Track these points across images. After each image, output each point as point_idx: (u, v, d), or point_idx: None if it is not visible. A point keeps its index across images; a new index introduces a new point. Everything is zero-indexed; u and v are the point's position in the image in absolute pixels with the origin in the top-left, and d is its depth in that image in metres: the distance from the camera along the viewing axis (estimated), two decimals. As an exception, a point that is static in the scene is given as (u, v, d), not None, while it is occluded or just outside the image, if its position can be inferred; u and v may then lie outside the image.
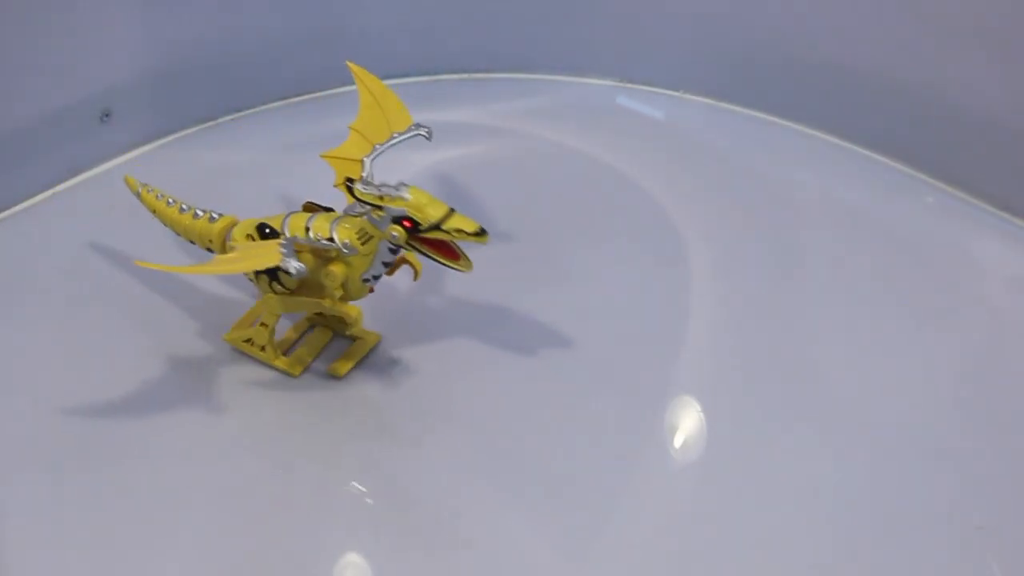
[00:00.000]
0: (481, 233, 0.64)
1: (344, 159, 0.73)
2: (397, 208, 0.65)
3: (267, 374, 0.77)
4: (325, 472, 0.70)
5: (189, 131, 1.12)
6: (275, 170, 1.05)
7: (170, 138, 1.10)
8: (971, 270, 0.96)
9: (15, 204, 0.96)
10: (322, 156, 0.75)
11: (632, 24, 1.26)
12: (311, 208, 0.72)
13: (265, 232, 0.71)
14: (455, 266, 0.67)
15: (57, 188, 1.00)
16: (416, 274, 0.75)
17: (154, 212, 0.80)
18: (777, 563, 0.65)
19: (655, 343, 0.84)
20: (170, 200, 0.79)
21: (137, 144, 1.08)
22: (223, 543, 0.65)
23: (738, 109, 1.24)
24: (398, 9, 1.23)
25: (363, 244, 0.67)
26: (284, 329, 0.79)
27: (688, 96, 1.27)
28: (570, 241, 0.95)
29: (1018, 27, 1.01)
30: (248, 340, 0.76)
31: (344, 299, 0.71)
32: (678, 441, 0.74)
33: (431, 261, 0.68)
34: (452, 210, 0.65)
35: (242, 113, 1.16)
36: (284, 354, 0.77)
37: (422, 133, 0.74)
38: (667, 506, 0.69)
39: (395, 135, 0.73)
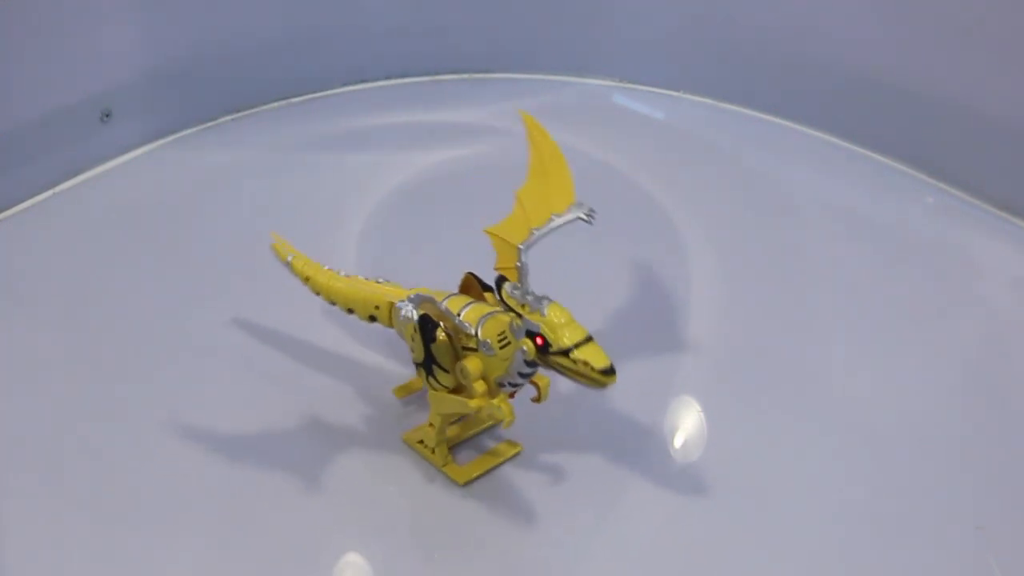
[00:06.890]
0: (609, 372, 0.59)
1: (503, 241, 0.68)
2: (533, 322, 0.62)
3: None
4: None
5: (189, 131, 1.12)
6: (275, 170, 1.05)
7: (170, 138, 1.10)
8: (971, 270, 0.96)
9: (15, 204, 0.96)
10: (485, 231, 0.70)
11: (632, 24, 1.26)
12: (469, 283, 0.70)
13: (426, 327, 0.67)
14: (590, 383, 0.61)
15: (57, 188, 1.00)
16: (539, 397, 0.69)
17: (306, 280, 0.75)
18: (777, 562, 0.65)
19: (655, 343, 0.84)
20: (325, 266, 0.76)
21: (137, 144, 1.08)
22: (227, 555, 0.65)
23: (738, 109, 1.24)
24: (398, 9, 1.23)
25: (501, 348, 0.64)
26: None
27: (688, 96, 1.27)
28: (570, 241, 0.95)
29: (1018, 27, 1.01)
30: (421, 441, 0.73)
31: (490, 395, 0.66)
32: (678, 441, 0.74)
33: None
34: (589, 338, 0.60)
35: (242, 113, 1.17)
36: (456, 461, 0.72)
37: (582, 217, 0.67)
38: (667, 506, 0.69)
39: (554, 217, 0.67)
